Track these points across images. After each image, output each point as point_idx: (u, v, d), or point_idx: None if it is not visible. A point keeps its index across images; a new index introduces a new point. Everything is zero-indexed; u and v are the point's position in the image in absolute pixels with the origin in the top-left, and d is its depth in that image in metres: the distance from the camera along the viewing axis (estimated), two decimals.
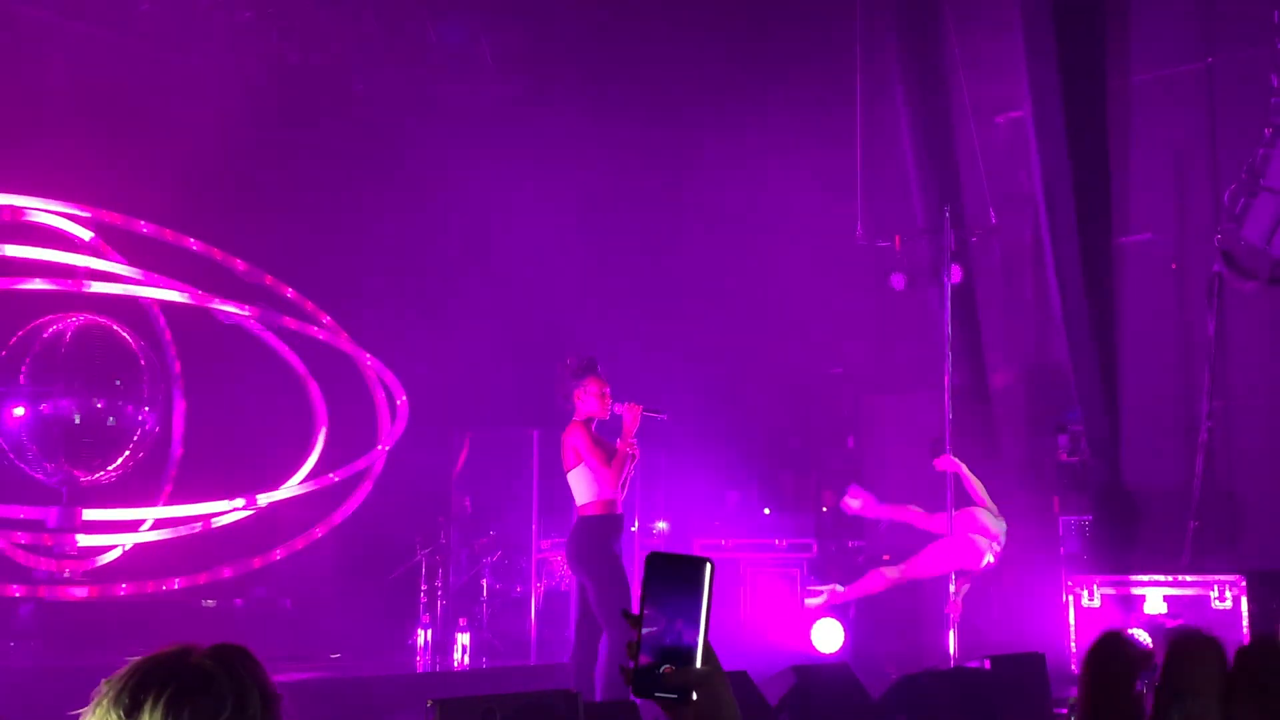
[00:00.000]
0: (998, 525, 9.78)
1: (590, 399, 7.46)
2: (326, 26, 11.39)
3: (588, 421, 7.46)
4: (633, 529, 11.01)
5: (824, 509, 12.02)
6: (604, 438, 7.52)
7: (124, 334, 9.71)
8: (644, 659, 1.64)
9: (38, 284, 9.04)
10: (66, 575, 9.26)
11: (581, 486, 7.39)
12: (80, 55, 10.23)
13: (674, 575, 1.67)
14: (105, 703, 1.70)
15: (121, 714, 1.69)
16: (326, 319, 10.72)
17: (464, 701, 4.48)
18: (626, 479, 7.49)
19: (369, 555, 11.18)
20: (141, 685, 1.70)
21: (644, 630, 1.65)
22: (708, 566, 1.66)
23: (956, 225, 10.62)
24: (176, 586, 9.61)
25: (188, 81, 10.75)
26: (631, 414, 7.43)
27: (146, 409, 9.69)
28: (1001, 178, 11.80)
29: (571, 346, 8.15)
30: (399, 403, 11.02)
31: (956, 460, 9.87)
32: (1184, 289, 11.40)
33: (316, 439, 10.72)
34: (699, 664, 1.62)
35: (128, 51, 10.44)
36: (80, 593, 9.14)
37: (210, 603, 9.94)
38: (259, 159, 11.06)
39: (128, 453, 9.62)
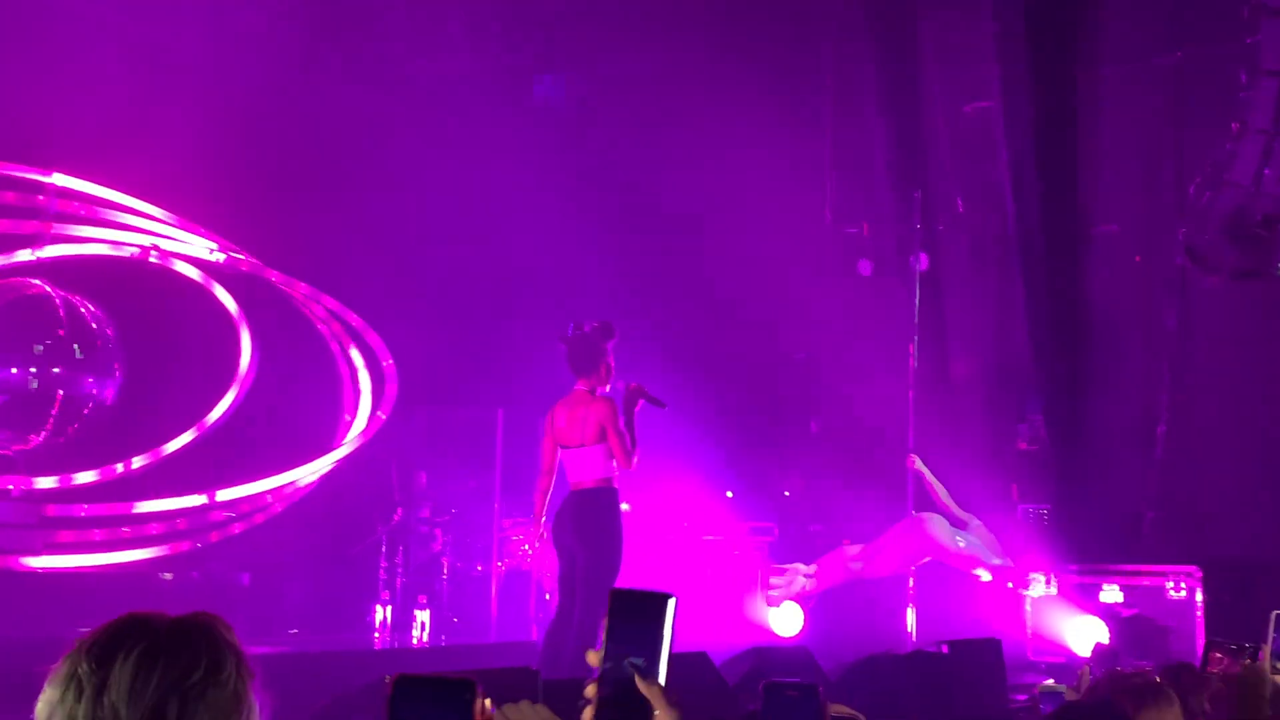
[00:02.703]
0: (949, 534, 9.77)
1: (605, 370, 7.27)
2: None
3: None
4: None
5: (786, 493, 12.05)
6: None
7: (66, 300, 9.57)
8: (602, 693, 1.59)
9: None
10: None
11: (598, 460, 7.17)
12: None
13: (636, 612, 1.62)
14: (77, 656, 1.69)
15: (92, 666, 1.67)
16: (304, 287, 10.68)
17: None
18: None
19: (329, 531, 11.13)
20: (114, 640, 1.69)
21: (604, 665, 1.60)
22: (670, 603, 1.61)
23: (924, 213, 10.65)
24: (134, 559, 9.54)
25: (148, 41, 10.59)
26: (632, 396, 7.24)
27: (94, 378, 9.57)
28: (969, 167, 11.84)
29: (537, 327, 8.09)
30: (385, 365, 10.98)
31: (920, 467, 9.92)
32: (1148, 282, 11.48)
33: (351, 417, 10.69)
34: (664, 708, 1.58)
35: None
36: (36, 564, 9.05)
37: (168, 575, 9.87)
38: (233, 134, 10.95)
39: (50, 420, 9.49)
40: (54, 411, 9.42)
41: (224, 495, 10.00)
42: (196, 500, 9.84)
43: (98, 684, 1.66)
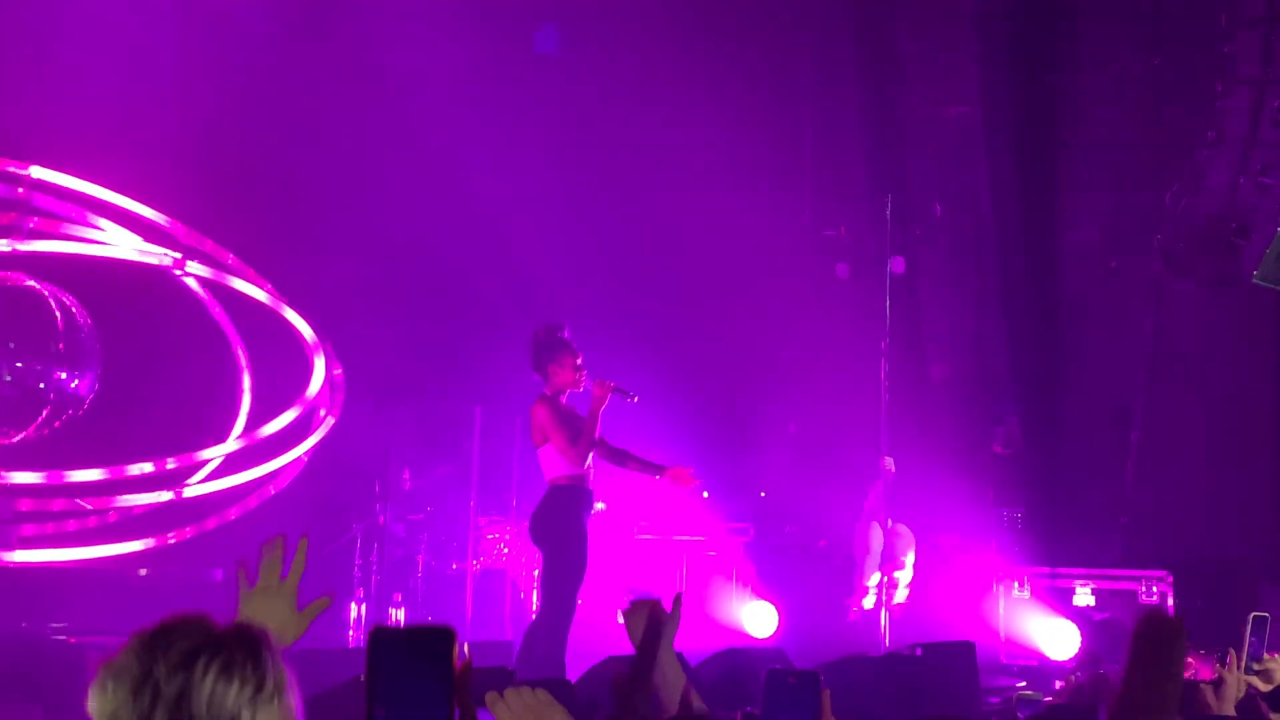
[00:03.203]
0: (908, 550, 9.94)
1: (563, 371, 7.35)
2: None
3: (555, 396, 7.38)
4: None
5: (762, 494, 12.06)
6: (575, 409, 7.44)
7: (39, 293, 9.51)
8: None
9: None
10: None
11: (549, 460, 7.31)
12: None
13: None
14: (148, 656, 1.70)
15: (171, 671, 1.68)
16: (268, 286, 10.59)
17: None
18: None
19: (303, 528, 11.07)
20: (192, 647, 1.70)
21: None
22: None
23: (901, 217, 10.69)
24: (106, 555, 9.48)
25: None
26: (601, 391, 7.31)
27: (63, 373, 9.51)
28: (948, 172, 11.89)
29: (516, 323, 8.10)
30: (336, 374, 10.92)
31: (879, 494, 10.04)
32: (1123, 287, 11.55)
33: (240, 404, 10.62)
34: None
35: None
36: (8, 558, 8.99)
37: (143, 572, 9.82)
38: (202, 126, 10.90)
39: (45, 416, 9.45)
40: (47, 406, 9.37)
41: (191, 492, 9.94)
42: (164, 496, 9.78)
43: (177, 691, 1.67)
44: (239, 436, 10.27)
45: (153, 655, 1.69)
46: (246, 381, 10.62)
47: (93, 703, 1.70)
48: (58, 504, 9.48)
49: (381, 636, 1.52)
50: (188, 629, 1.73)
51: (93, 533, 9.57)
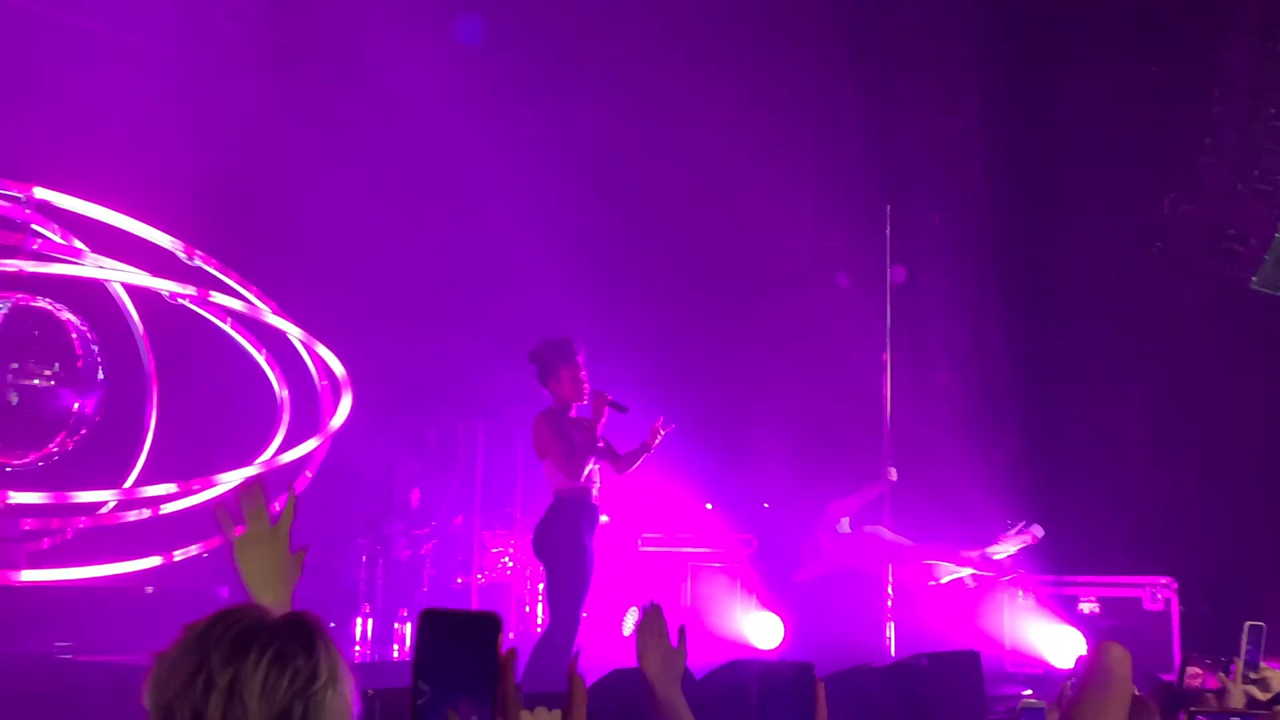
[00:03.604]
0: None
1: (563, 385, 7.39)
2: None
3: (557, 410, 7.41)
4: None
5: (765, 504, 12.08)
6: (580, 423, 7.45)
7: (58, 314, 9.53)
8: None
9: None
10: None
11: (549, 474, 7.36)
12: None
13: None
14: (201, 647, 1.71)
15: (224, 662, 1.69)
16: (272, 305, 10.60)
17: (404, 691, 4.46)
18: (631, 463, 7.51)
19: (307, 543, 11.07)
20: (245, 637, 1.71)
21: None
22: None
23: (901, 226, 10.71)
24: (113, 573, 9.48)
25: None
26: (596, 404, 7.35)
27: (78, 392, 9.52)
28: (946, 181, 11.92)
29: (517, 336, 8.12)
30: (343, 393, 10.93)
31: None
32: (1123, 295, 11.57)
33: (278, 428, 10.63)
34: None
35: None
36: (18, 577, 9.00)
37: (149, 589, 9.83)
38: (197, 141, 10.93)
39: (63, 436, 9.47)
40: (63, 429, 9.39)
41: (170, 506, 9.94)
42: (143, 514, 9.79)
43: (230, 680, 1.68)
44: (263, 462, 10.30)
45: (205, 646, 1.70)
46: (285, 414, 10.62)
47: (148, 696, 1.71)
48: (55, 522, 9.50)
49: (432, 615, 1.55)
50: (240, 618, 1.74)
51: (96, 551, 9.58)
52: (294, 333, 10.01)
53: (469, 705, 1.51)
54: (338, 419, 10.25)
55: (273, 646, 1.70)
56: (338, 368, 10.22)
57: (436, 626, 1.54)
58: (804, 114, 12.76)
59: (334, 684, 1.73)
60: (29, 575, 8.97)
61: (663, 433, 7.47)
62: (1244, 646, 4.03)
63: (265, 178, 11.21)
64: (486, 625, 1.53)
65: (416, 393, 12.13)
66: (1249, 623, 4.10)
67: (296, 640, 1.73)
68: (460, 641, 1.53)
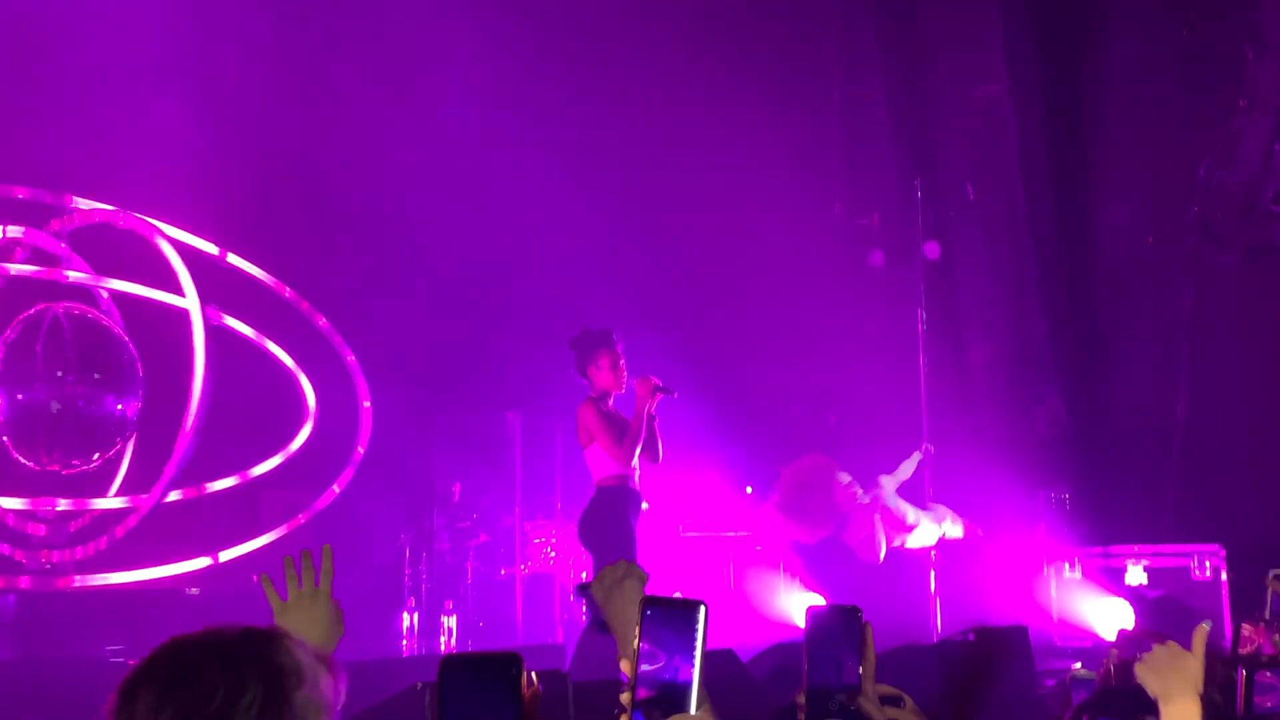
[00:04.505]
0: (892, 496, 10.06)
1: (603, 373, 7.36)
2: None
3: (600, 398, 7.39)
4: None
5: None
6: (620, 412, 7.44)
7: (104, 321, 9.63)
8: (641, 693, 1.62)
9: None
10: (48, 566, 9.20)
11: (594, 462, 7.32)
12: None
13: (669, 617, 1.65)
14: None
15: (122, 701, 1.69)
16: (322, 320, 10.73)
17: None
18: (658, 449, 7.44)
19: (352, 539, 11.15)
20: (142, 672, 1.70)
21: (641, 667, 1.63)
22: (702, 610, 1.65)
23: (934, 200, 10.64)
24: (158, 575, 9.57)
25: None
26: (645, 389, 7.32)
27: (121, 399, 9.59)
28: (979, 152, 11.82)
29: (552, 326, 8.12)
30: (365, 406, 11.03)
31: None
32: (1161, 262, 11.45)
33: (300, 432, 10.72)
34: (694, 706, 1.61)
35: None
36: (65, 583, 9.09)
37: (194, 590, 9.90)
38: (231, 146, 10.99)
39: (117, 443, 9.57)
40: (111, 436, 9.49)
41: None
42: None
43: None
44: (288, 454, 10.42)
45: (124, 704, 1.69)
46: (308, 422, 10.73)
47: None
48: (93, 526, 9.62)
49: (451, 664, 1.57)
50: (154, 654, 1.71)
51: (145, 554, 9.66)
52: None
53: None
54: (297, 441, 10.39)
55: (161, 678, 1.67)
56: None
57: (456, 673, 1.58)
58: (833, 88, 12.69)
59: (233, 705, 1.65)
60: (81, 580, 9.08)
61: (656, 384, 7.32)
62: (1269, 599, 3.98)
63: (301, 179, 11.27)
64: (506, 667, 1.58)
65: (455, 387, 12.17)
66: (1273, 570, 4.05)
67: (190, 667, 1.67)
68: (482, 686, 1.57)
